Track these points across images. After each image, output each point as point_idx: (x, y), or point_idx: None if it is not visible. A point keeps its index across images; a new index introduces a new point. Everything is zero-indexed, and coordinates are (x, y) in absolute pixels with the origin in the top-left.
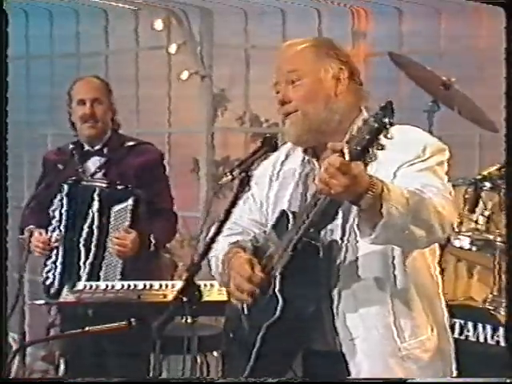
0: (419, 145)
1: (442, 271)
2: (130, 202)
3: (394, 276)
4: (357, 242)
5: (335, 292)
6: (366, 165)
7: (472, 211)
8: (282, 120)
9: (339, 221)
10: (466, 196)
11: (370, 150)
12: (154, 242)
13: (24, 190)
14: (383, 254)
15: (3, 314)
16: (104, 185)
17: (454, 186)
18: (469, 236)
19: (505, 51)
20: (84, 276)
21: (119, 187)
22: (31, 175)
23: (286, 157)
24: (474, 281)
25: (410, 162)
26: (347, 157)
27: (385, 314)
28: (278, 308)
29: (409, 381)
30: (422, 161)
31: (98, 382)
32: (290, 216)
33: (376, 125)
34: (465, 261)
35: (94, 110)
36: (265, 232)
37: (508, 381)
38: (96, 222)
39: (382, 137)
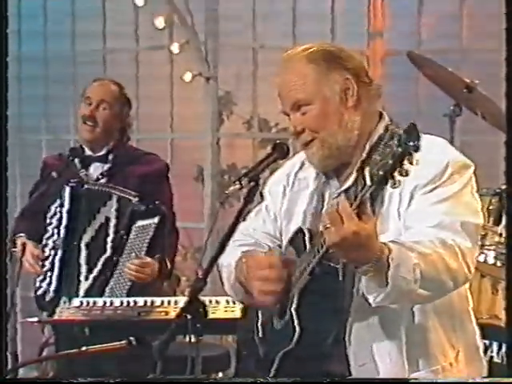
0: (439, 164)
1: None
2: (156, 220)
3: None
4: None
5: (350, 316)
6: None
7: (497, 223)
8: (302, 149)
9: None
10: (491, 207)
11: (395, 174)
12: (169, 265)
13: (17, 198)
14: None
15: (3, 312)
16: (132, 197)
17: None
18: (493, 250)
19: (505, 51)
20: (84, 289)
21: (146, 201)
22: (24, 183)
23: (301, 167)
24: (498, 297)
25: (429, 188)
26: (368, 181)
27: (397, 339)
28: (295, 336)
29: (411, 380)
30: (441, 185)
31: (96, 382)
32: (307, 234)
33: (400, 149)
34: (489, 276)
35: (97, 111)
36: (280, 246)
37: (507, 380)
38: (111, 234)
39: (406, 162)
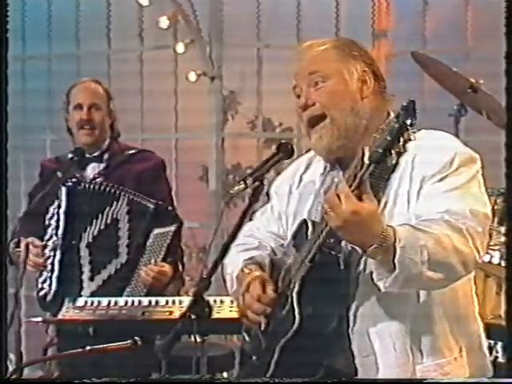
0: (447, 154)
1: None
2: (173, 228)
3: (417, 291)
4: None
5: (353, 305)
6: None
7: (502, 223)
8: (307, 133)
9: None
10: (496, 207)
11: (392, 151)
12: (181, 268)
13: (21, 200)
14: None
15: (3, 311)
16: (150, 205)
17: None
18: (498, 250)
19: (505, 53)
20: (90, 290)
21: (162, 208)
22: (28, 183)
23: (307, 167)
24: (503, 298)
25: (437, 177)
26: (367, 160)
27: (402, 330)
28: (296, 323)
29: (428, 380)
30: (450, 175)
31: (101, 383)
32: (310, 225)
33: (397, 125)
34: (494, 276)
35: (92, 115)
36: (282, 245)
37: (508, 381)
38: (125, 239)
39: (403, 138)
